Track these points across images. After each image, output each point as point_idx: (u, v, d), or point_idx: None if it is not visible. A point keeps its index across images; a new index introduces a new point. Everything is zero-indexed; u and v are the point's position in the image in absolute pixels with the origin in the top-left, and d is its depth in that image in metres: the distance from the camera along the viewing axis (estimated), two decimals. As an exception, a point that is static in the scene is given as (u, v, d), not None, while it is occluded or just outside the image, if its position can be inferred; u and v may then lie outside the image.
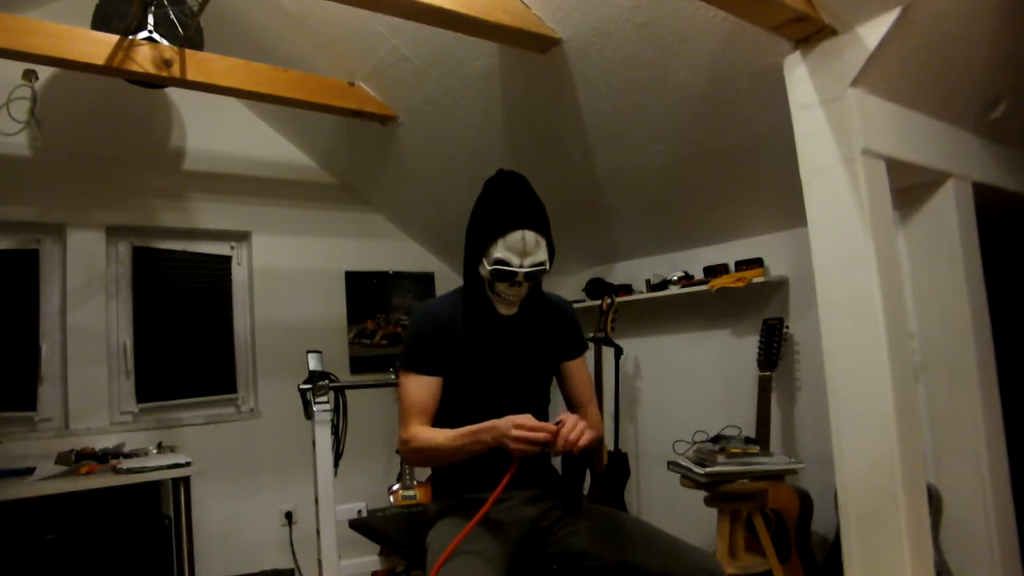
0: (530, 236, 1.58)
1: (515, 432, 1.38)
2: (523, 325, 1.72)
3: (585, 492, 3.54)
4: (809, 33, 1.91)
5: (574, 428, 1.39)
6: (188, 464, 2.94)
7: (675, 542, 1.52)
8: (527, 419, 1.40)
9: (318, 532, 2.76)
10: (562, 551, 1.61)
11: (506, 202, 1.61)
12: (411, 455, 1.62)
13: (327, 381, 2.83)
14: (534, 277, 1.62)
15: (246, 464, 3.69)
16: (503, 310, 1.68)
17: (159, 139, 3.67)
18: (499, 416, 1.66)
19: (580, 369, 1.83)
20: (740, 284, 3.01)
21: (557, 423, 1.41)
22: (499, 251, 1.58)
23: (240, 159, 3.88)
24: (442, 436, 1.56)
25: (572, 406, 1.82)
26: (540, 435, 1.37)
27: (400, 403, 1.66)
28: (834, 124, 1.91)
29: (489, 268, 1.60)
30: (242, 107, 3.89)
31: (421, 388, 1.63)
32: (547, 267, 1.63)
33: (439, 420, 1.76)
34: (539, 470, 1.77)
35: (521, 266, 1.58)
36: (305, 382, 2.81)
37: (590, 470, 3.59)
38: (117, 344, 3.50)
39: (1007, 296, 2.60)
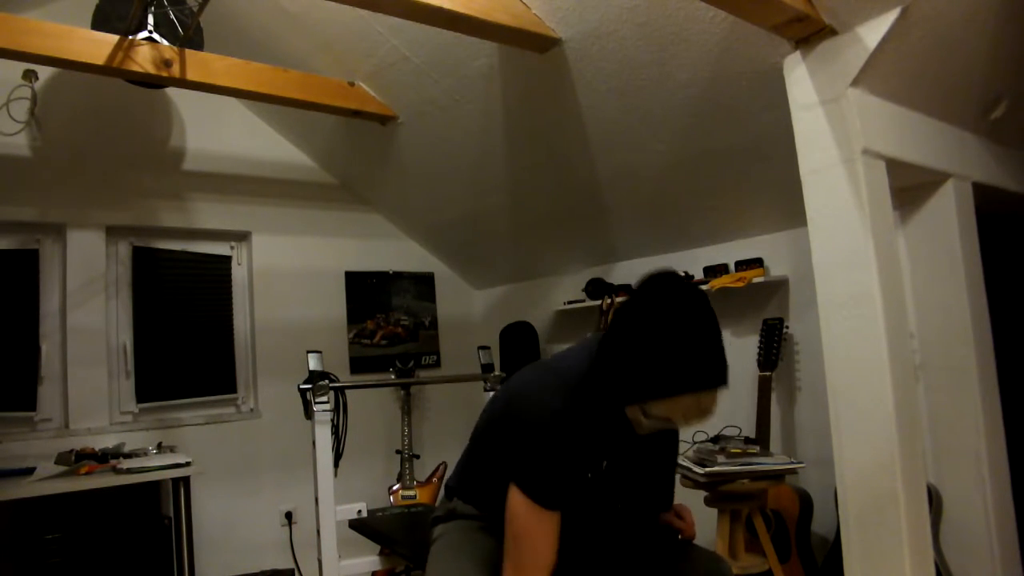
0: (708, 398, 1.24)
1: None
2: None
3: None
4: (809, 33, 1.91)
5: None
6: (188, 464, 2.94)
7: (682, 543, 1.52)
8: None
9: (318, 532, 2.76)
10: (562, 552, 1.61)
11: (692, 358, 1.21)
12: None
13: (327, 381, 2.82)
14: None
15: (246, 464, 3.69)
16: (642, 431, 1.36)
17: (159, 139, 3.67)
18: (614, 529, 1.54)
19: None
20: (740, 284, 3.01)
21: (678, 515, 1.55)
22: (663, 410, 1.25)
23: (240, 159, 3.89)
24: None
25: None
26: None
27: (520, 543, 1.29)
28: (834, 124, 1.91)
29: (647, 420, 1.29)
30: (242, 107, 3.89)
31: (552, 535, 1.29)
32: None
33: None
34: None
35: (686, 423, 1.28)
36: (305, 382, 2.81)
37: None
38: (117, 344, 3.50)
39: (1007, 296, 2.60)
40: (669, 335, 1.21)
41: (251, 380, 3.86)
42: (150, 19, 2.66)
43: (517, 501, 1.30)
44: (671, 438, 1.57)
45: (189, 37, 2.76)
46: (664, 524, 1.56)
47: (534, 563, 1.27)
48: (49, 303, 3.33)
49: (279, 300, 3.93)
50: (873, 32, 1.81)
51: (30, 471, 2.82)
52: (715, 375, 1.22)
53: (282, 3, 2.92)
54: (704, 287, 3.15)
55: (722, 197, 3.03)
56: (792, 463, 2.39)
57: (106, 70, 2.62)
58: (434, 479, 3.87)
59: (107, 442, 3.22)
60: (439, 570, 1.48)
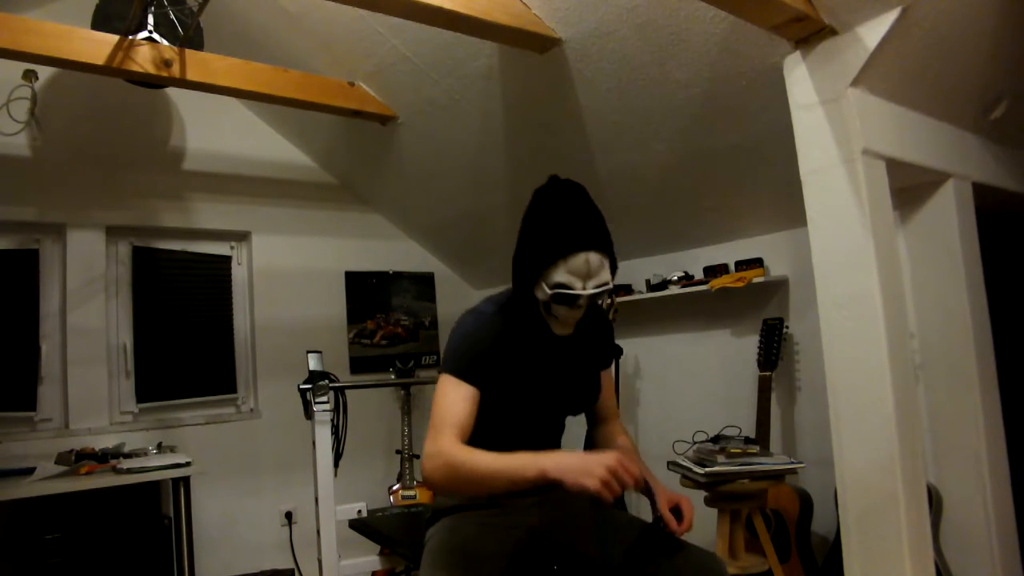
0: (595, 258, 1.45)
1: (613, 463, 1.24)
2: (575, 344, 1.63)
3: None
4: (809, 33, 1.91)
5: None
6: (188, 464, 2.94)
7: (678, 542, 1.52)
8: (624, 458, 1.27)
9: (318, 532, 2.76)
10: (563, 552, 1.61)
11: (567, 221, 1.47)
12: (441, 472, 1.36)
13: (327, 381, 2.83)
14: (597, 298, 1.51)
15: (246, 464, 3.69)
16: (559, 331, 1.57)
17: (159, 139, 3.67)
18: (538, 440, 1.61)
19: (607, 379, 1.76)
20: (740, 284, 3.01)
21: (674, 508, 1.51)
22: (560, 275, 1.44)
23: (240, 159, 3.89)
24: (487, 457, 1.33)
25: (595, 419, 1.78)
26: (631, 482, 1.24)
27: (435, 410, 1.45)
28: (834, 124, 1.91)
29: (549, 293, 1.46)
30: (242, 107, 3.90)
31: (464, 399, 1.44)
32: (611, 283, 1.50)
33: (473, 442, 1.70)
34: None
35: (584, 289, 1.45)
36: (305, 382, 2.81)
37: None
38: (117, 344, 3.50)
39: (1007, 296, 2.60)
40: (544, 213, 1.50)
41: (251, 380, 3.86)
42: (150, 19, 2.66)
43: (439, 380, 1.49)
44: (603, 353, 1.73)
45: (189, 37, 2.76)
46: (657, 515, 1.55)
47: (445, 420, 1.41)
48: (49, 303, 3.34)
49: (279, 300, 3.93)
50: (873, 32, 1.80)
51: (30, 471, 2.82)
52: (589, 235, 1.45)
53: (282, 3, 2.92)
54: (704, 287, 3.15)
55: (722, 197, 3.03)
56: (792, 463, 2.39)
57: (106, 70, 2.62)
58: (434, 479, 3.86)
59: (107, 442, 3.22)
60: None
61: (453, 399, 1.44)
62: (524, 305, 1.55)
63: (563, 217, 1.47)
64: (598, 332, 1.71)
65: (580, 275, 1.44)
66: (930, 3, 1.79)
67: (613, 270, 1.51)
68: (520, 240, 1.53)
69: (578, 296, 1.45)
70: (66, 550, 2.77)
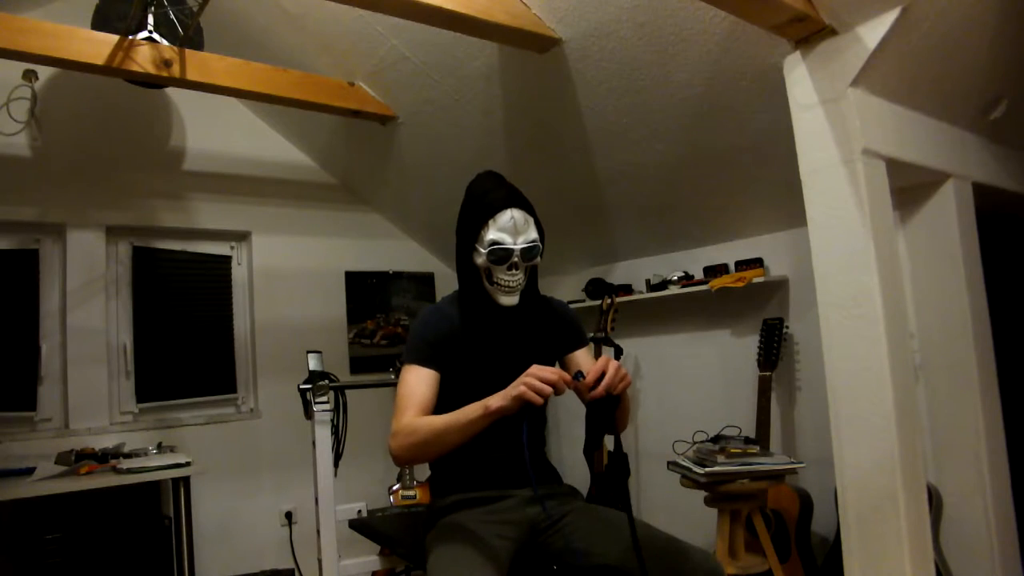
0: (519, 215, 1.64)
1: (527, 378, 1.34)
2: (524, 317, 1.73)
3: (585, 492, 3.55)
4: (809, 33, 1.91)
5: (614, 371, 1.39)
6: (188, 464, 2.94)
7: (675, 542, 1.52)
8: (537, 368, 1.37)
9: (318, 532, 2.76)
10: (562, 551, 1.61)
11: (490, 190, 1.68)
12: (404, 442, 1.52)
13: (327, 381, 2.82)
14: (530, 256, 1.65)
15: (246, 464, 3.69)
16: (504, 300, 1.67)
17: (159, 139, 3.67)
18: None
19: (587, 356, 1.81)
20: (740, 284, 3.01)
21: (578, 375, 1.42)
22: (492, 233, 1.62)
23: (240, 159, 3.88)
24: (441, 416, 1.49)
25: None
26: (554, 377, 1.33)
27: (397, 398, 1.61)
28: (834, 124, 1.91)
29: (485, 251, 1.63)
30: (242, 107, 3.89)
31: (421, 380, 1.60)
32: (540, 245, 1.67)
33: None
34: (539, 468, 1.77)
35: (516, 243, 1.62)
36: (305, 382, 2.81)
37: (589, 467, 3.59)
38: (117, 344, 3.50)
39: (1007, 296, 2.60)
40: (473, 191, 1.71)
41: (251, 380, 3.86)
42: (150, 19, 2.66)
43: (401, 372, 1.66)
44: (565, 333, 1.80)
45: (189, 37, 2.76)
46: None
47: (406, 402, 1.58)
48: (49, 303, 3.33)
49: (279, 300, 3.93)
50: (873, 32, 1.81)
51: (30, 471, 2.82)
52: (511, 198, 1.65)
53: (282, 3, 2.92)
54: (704, 287, 3.15)
55: (722, 197, 3.03)
56: (792, 463, 2.40)
57: (106, 70, 2.62)
58: (434, 479, 3.86)
59: (107, 442, 3.22)
60: None
61: (412, 383, 1.60)
62: (469, 283, 1.70)
63: (487, 188, 1.69)
64: (558, 318, 1.82)
65: (510, 231, 1.62)
66: (930, 3, 1.79)
67: (541, 236, 1.68)
68: (457, 224, 1.72)
69: (512, 250, 1.61)
70: (66, 550, 2.77)
